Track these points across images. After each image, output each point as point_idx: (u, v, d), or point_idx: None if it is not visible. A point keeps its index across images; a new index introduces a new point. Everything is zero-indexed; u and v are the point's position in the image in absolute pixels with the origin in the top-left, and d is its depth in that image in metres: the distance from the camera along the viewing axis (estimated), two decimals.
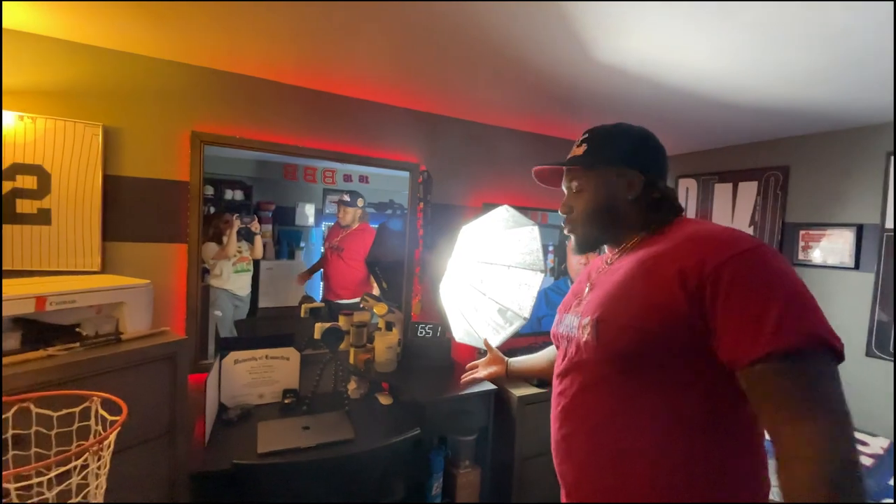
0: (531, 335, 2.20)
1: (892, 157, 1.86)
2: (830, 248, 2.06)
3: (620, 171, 0.83)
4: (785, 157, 2.23)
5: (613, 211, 0.84)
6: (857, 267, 1.99)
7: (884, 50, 1.20)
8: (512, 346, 2.03)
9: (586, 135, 0.89)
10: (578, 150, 0.88)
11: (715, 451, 0.65)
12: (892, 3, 1.00)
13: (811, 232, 2.13)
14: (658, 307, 0.66)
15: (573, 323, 0.82)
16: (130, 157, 1.47)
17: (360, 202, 1.95)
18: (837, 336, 0.60)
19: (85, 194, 1.40)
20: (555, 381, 0.86)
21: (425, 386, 1.68)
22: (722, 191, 2.47)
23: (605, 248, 0.91)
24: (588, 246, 0.88)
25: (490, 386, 1.74)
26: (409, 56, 1.41)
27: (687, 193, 2.63)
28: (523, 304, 1.75)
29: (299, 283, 1.94)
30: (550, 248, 2.29)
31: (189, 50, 1.44)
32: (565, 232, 0.92)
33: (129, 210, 1.48)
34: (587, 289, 0.86)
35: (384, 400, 1.62)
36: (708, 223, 0.76)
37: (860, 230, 1.97)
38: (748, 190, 2.39)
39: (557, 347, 0.90)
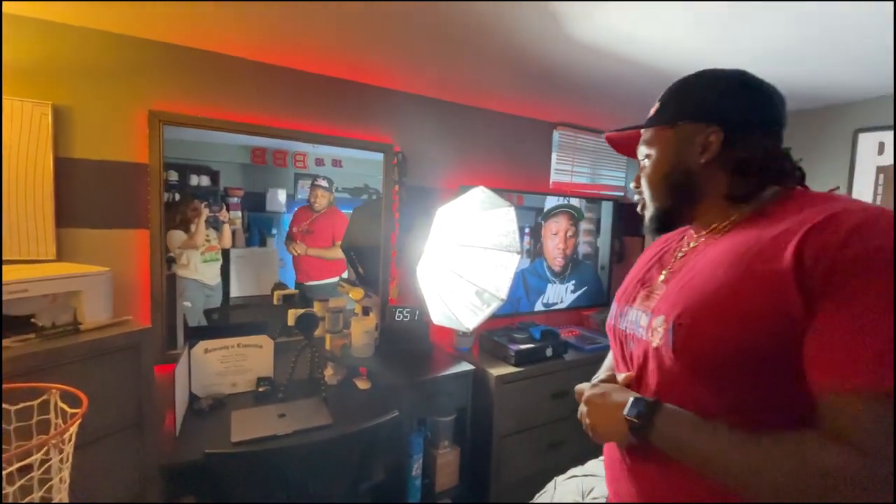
0: (508, 316, 2.21)
1: (859, 135, 1.93)
2: None
3: (696, 127, 0.66)
4: None
5: (683, 177, 0.68)
6: None
7: (853, 28, 1.23)
8: (490, 328, 2.04)
9: (665, 91, 0.74)
10: (652, 111, 0.74)
11: None
12: (891, 2, 1.01)
13: None
14: (761, 312, 0.52)
15: (640, 320, 0.69)
16: (83, 137, 1.39)
17: (330, 186, 1.91)
18: None
19: (35, 178, 1.31)
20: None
21: (404, 369, 1.68)
22: None
23: (692, 226, 0.75)
24: (660, 224, 0.73)
25: (468, 366, 1.75)
26: (380, 33, 1.36)
27: None
28: (500, 285, 1.75)
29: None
30: (527, 231, 2.30)
31: (145, 23, 1.35)
32: (638, 210, 0.77)
33: (85, 194, 1.40)
34: (661, 277, 0.72)
35: (362, 385, 1.61)
36: (840, 197, 0.58)
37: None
38: None
39: (612, 344, 0.78)
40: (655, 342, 0.62)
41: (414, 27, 1.32)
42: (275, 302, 1.76)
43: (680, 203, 0.70)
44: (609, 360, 0.90)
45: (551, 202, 2.37)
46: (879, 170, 1.89)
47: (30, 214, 1.31)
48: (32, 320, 1.04)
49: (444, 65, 1.64)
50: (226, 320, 1.77)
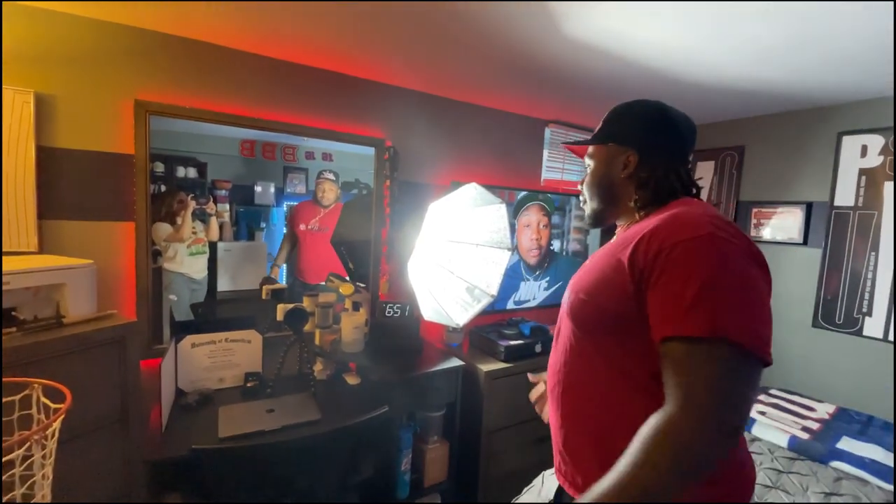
0: (498, 312, 2.22)
1: (843, 138, 1.96)
2: (780, 225, 2.18)
3: (620, 149, 0.86)
4: (741, 137, 2.32)
5: (609, 188, 0.88)
6: (805, 243, 2.11)
7: (839, 32, 1.25)
8: (480, 323, 2.05)
9: (609, 113, 0.92)
10: (596, 130, 0.92)
11: (653, 407, 0.65)
12: (891, 2, 1.03)
13: (763, 210, 2.24)
14: (610, 284, 0.72)
15: (566, 295, 0.88)
16: (67, 127, 1.35)
17: (339, 180, 1.88)
18: (757, 338, 0.60)
19: (17, 168, 1.28)
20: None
21: (394, 364, 1.68)
22: None
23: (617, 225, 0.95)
24: (593, 220, 0.93)
25: (458, 362, 1.76)
26: (373, 27, 1.35)
27: None
28: (491, 281, 1.76)
29: (276, 267, 1.86)
30: (516, 227, 2.30)
31: (132, 11, 1.32)
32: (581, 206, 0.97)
33: (68, 185, 1.36)
34: (588, 262, 0.92)
35: (352, 380, 1.60)
36: (694, 207, 0.75)
37: (809, 208, 2.09)
38: (705, 170, 2.47)
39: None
40: (564, 308, 0.84)
41: (407, 22, 1.31)
42: (263, 297, 1.74)
43: (606, 206, 0.90)
44: None
45: (523, 197, 2.33)
46: (861, 172, 1.94)
47: (11, 205, 1.27)
48: (14, 314, 1.02)
49: (437, 60, 1.63)
50: (213, 315, 1.75)
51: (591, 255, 1.01)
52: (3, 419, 0.79)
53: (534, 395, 1.07)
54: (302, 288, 1.87)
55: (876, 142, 1.89)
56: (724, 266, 0.63)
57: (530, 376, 1.10)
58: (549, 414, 0.91)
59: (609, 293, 0.72)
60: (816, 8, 1.13)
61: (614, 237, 0.89)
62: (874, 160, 1.90)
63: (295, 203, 1.89)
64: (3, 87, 1.24)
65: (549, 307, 2.50)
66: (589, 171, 0.92)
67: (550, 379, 0.89)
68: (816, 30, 1.25)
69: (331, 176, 1.86)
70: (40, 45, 1.30)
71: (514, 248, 2.34)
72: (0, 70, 1.21)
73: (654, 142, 0.85)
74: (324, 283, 1.89)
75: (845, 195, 1.98)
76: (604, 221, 0.92)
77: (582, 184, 0.95)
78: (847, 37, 1.28)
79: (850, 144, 1.96)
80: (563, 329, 0.86)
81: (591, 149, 0.92)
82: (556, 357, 0.87)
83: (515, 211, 2.32)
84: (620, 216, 0.90)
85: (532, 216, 2.38)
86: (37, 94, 1.29)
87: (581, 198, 0.96)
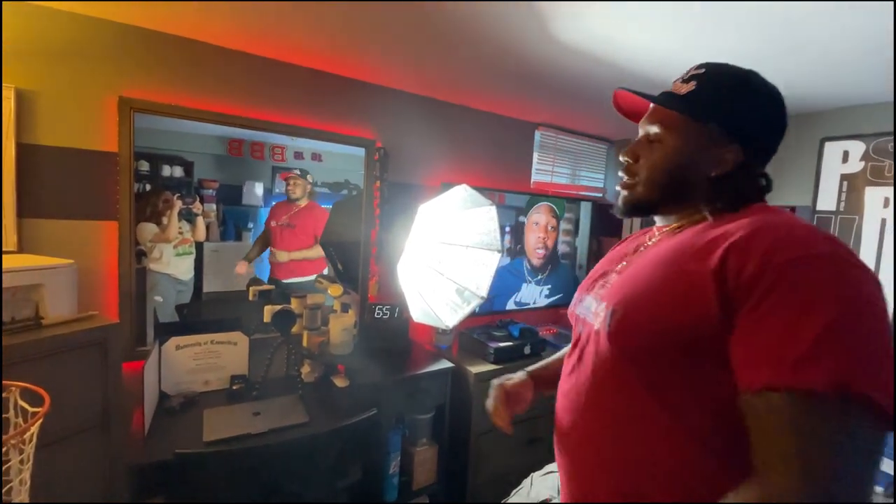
0: (487, 314, 2.22)
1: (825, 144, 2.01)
2: None
3: (721, 136, 0.64)
4: None
5: (686, 182, 0.66)
6: None
7: (822, 38, 1.27)
8: (469, 326, 2.04)
9: (702, 69, 0.67)
10: (682, 88, 0.67)
11: (711, 469, 0.55)
12: (891, 2, 1.04)
13: None
14: (681, 301, 0.56)
15: (591, 307, 0.72)
16: (48, 123, 1.32)
17: (309, 178, 1.87)
18: (891, 395, 0.45)
19: None
20: (565, 364, 0.76)
21: (383, 367, 1.67)
22: None
23: (656, 221, 0.76)
24: (635, 210, 0.72)
25: (447, 364, 1.75)
26: (363, 28, 1.34)
27: None
28: (481, 283, 1.75)
29: (246, 266, 1.83)
30: (507, 229, 2.31)
31: (118, 6, 1.29)
32: (617, 186, 0.74)
33: (49, 183, 1.33)
34: (618, 267, 0.74)
35: (340, 382, 1.59)
36: (786, 214, 0.59)
37: (792, 212, 2.13)
38: None
39: (573, 329, 0.80)
40: (596, 325, 0.67)
41: (398, 23, 1.31)
42: (250, 298, 1.71)
43: (666, 200, 0.69)
44: (561, 351, 0.98)
45: (534, 196, 2.40)
46: (843, 177, 1.98)
47: None
48: None
49: (427, 62, 1.63)
50: (198, 316, 1.72)
51: (604, 258, 0.84)
52: None
53: (495, 404, 0.88)
54: (274, 284, 1.85)
55: (857, 148, 1.94)
56: (857, 301, 0.48)
57: (495, 382, 0.93)
58: (559, 458, 0.74)
59: (680, 313, 0.56)
60: (801, 14, 1.15)
61: (652, 240, 0.72)
62: (855, 165, 1.94)
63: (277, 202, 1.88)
64: None
65: (553, 308, 2.56)
66: (660, 148, 0.67)
67: (565, 415, 0.71)
68: (800, 37, 1.28)
69: (297, 172, 1.84)
70: (23, 40, 1.27)
71: (518, 252, 2.36)
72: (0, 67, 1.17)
73: (766, 141, 0.66)
74: (295, 279, 1.88)
75: (827, 200, 2.02)
76: (646, 214, 0.73)
77: (634, 156, 0.71)
78: (832, 43, 1.31)
79: (832, 150, 2.00)
80: (589, 352, 0.68)
81: (666, 118, 0.67)
82: (575, 386, 0.70)
83: (525, 209, 2.36)
84: (675, 213, 0.70)
85: (541, 216, 2.42)
86: (17, 90, 1.26)
87: (625, 177, 0.72)
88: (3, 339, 0.94)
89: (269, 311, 1.51)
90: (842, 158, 1.98)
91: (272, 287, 1.81)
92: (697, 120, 0.65)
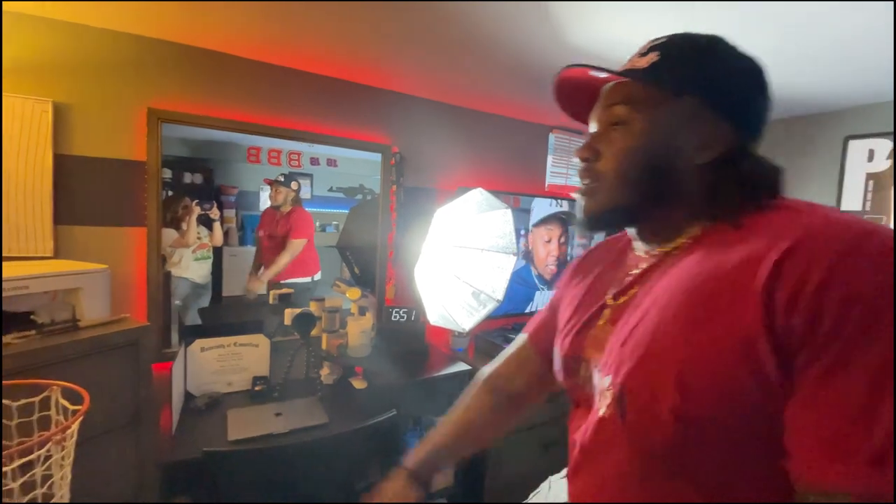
0: (503, 317, 2.23)
1: (849, 142, 1.96)
2: None
3: (703, 110, 0.48)
4: None
5: (667, 173, 0.50)
6: None
7: (845, 36, 1.26)
8: (485, 328, 2.05)
9: (662, 39, 0.53)
10: (640, 61, 0.52)
11: None
12: (891, 2, 1.03)
13: None
14: (728, 379, 0.39)
15: (589, 377, 0.54)
16: (82, 135, 1.39)
17: (293, 185, 1.85)
18: None
19: (34, 175, 1.31)
20: (570, 430, 0.58)
21: (400, 369, 1.69)
22: None
23: (634, 234, 0.57)
24: (602, 221, 0.55)
25: (465, 366, 1.77)
26: (380, 35, 1.37)
27: None
28: (497, 286, 1.77)
29: (257, 283, 1.86)
30: (522, 232, 2.31)
31: (145, 21, 1.35)
32: (574, 195, 0.57)
33: (83, 192, 1.39)
34: (606, 313, 0.55)
35: (358, 384, 1.61)
36: (831, 212, 0.42)
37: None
38: None
39: (567, 389, 0.61)
40: (602, 410, 0.48)
41: (414, 30, 1.33)
42: (270, 301, 1.75)
43: (645, 205, 0.51)
44: (506, 350, 0.83)
45: (542, 207, 2.35)
46: (869, 176, 1.93)
47: (28, 211, 1.31)
48: (32, 317, 1.05)
49: (443, 68, 1.65)
50: (220, 319, 1.77)
51: (570, 282, 0.68)
52: (24, 420, 0.81)
53: None
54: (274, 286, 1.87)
55: (883, 146, 1.89)
56: None
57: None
58: None
59: (725, 391, 0.39)
60: (822, 12, 1.14)
61: (641, 265, 0.54)
62: (882, 164, 1.90)
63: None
64: (23, 97, 1.28)
65: None
66: (626, 134, 0.51)
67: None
68: (821, 36, 1.26)
69: (280, 178, 1.83)
70: (59, 57, 1.34)
71: (528, 255, 2.35)
72: (0, 77, 1.24)
73: (757, 113, 0.50)
74: (297, 278, 1.89)
75: (852, 200, 1.98)
76: (615, 226, 0.57)
77: (593, 152, 0.54)
78: (852, 42, 1.29)
79: (857, 149, 1.96)
80: (604, 450, 0.49)
81: (629, 94, 0.52)
82: (590, 494, 0.51)
83: (537, 223, 2.33)
84: (654, 220, 0.53)
85: (554, 230, 2.39)
86: (55, 104, 1.32)
87: (585, 182, 0.55)
88: (44, 341, 0.99)
89: (289, 315, 1.55)
90: (867, 157, 1.94)
91: (291, 290, 1.85)
92: (670, 92, 0.49)
